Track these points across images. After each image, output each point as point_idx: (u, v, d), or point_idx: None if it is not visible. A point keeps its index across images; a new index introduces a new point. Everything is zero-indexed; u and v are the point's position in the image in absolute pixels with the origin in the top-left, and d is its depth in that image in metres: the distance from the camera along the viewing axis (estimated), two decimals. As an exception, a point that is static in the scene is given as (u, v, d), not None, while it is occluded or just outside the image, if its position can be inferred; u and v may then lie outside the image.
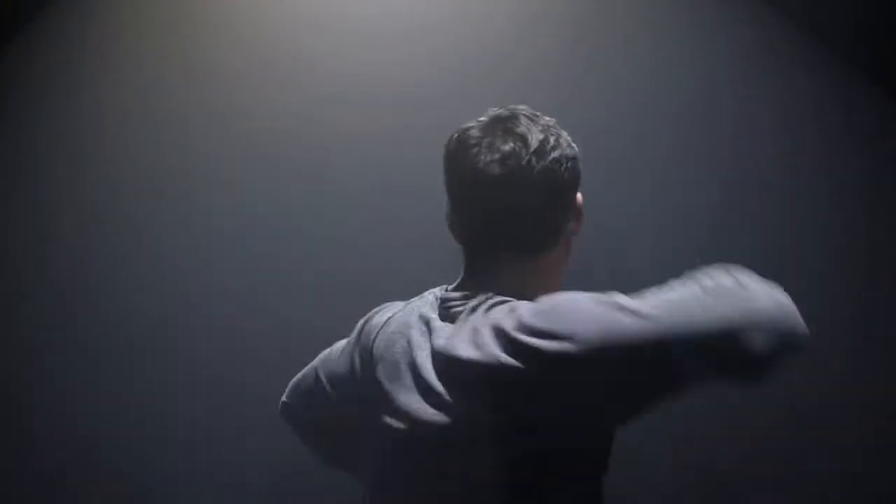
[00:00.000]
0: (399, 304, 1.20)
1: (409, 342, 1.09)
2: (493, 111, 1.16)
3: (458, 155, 1.12)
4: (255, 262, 2.14)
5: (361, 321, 1.21)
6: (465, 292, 1.10)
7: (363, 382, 1.13)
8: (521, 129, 1.11)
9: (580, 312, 0.98)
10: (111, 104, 2.19)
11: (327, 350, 1.28)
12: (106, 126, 2.18)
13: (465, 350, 1.00)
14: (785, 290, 1.00)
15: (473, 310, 1.07)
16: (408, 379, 1.06)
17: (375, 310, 1.22)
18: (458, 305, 1.09)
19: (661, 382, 0.99)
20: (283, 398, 1.34)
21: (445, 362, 1.03)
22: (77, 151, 2.17)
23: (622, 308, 0.97)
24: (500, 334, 0.99)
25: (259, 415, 2.02)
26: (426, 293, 1.17)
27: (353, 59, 2.21)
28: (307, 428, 1.33)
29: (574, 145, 1.15)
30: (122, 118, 2.18)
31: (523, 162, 1.09)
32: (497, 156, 1.09)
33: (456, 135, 1.15)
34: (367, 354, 1.14)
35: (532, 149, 1.10)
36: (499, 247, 1.12)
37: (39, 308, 2.11)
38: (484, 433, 1.00)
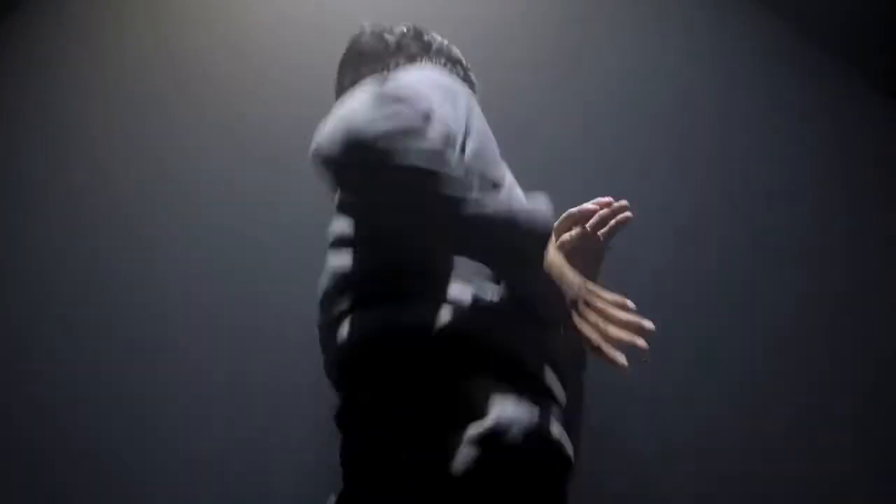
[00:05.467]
0: None
1: None
2: None
3: None
4: (245, 257, 2.14)
5: None
6: None
7: None
8: None
9: None
10: (97, 101, 2.19)
11: None
12: (93, 123, 2.19)
13: None
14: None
15: None
16: None
17: None
18: None
19: None
20: None
21: None
22: (63, 150, 2.17)
23: None
24: None
25: (257, 415, 2.03)
26: None
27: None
28: None
29: None
30: (109, 115, 2.18)
31: None
32: None
33: None
34: None
35: None
36: None
37: (28, 306, 2.11)
38: None
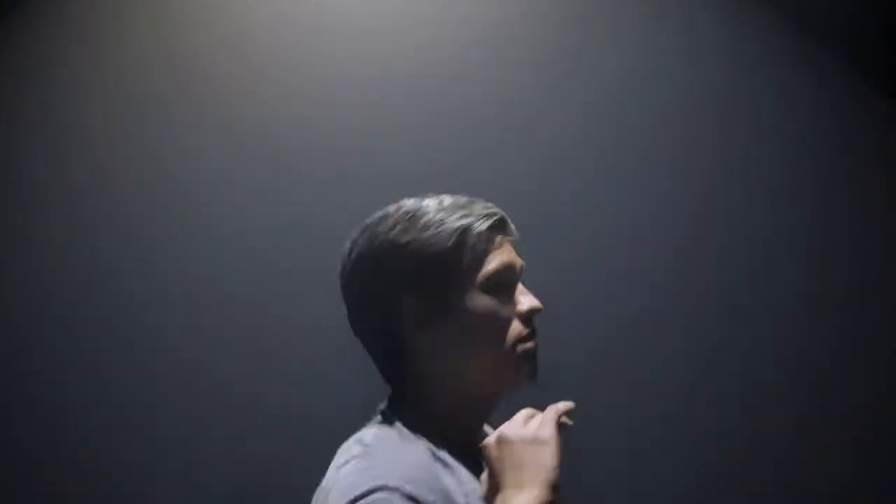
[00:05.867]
0: None
1: None
2: None
3: None
4: (241, 258, 2.13)
5: None
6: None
7: None
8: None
9: None
10: (97, 101, 2.18)
11: None
12: (93, 123, 2.17)
13: None
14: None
15: None
16: None
17: None
18: None
19: None
20: None
21: None
22: (63, 150, 2.17)
23: None
24: None
25: (255, 415, 2.03)
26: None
27: (340, 58, 2.21)
28: None
29: (388, 240, 1.07)
30: (109, 115, 2.17)
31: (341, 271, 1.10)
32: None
33: None
34: None
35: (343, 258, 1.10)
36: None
37: (28, 306, 2.11)
38: None
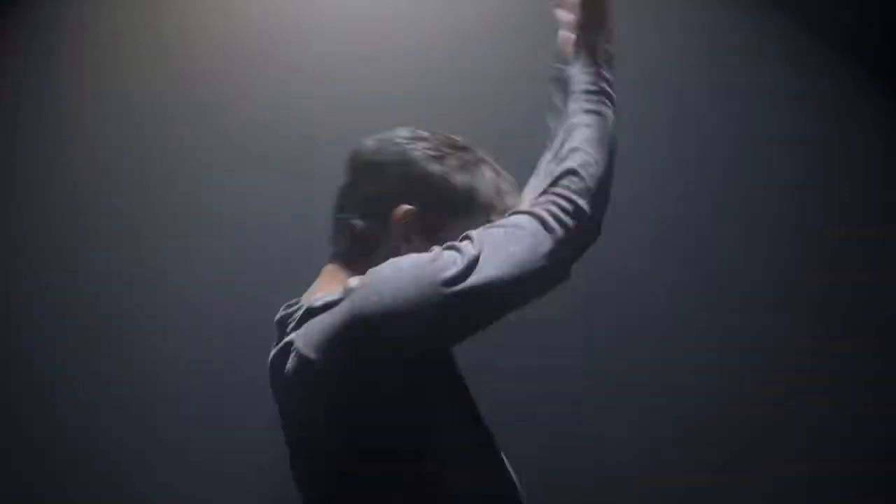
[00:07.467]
0: None
1: None
2: None
3: None
4: (241, 258, 2.14)
5: None
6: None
7: None
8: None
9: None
10: (92, 101, 2.19)
11: None
12: (87, 124, 2.18)
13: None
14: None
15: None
16: None
17: None
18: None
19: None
20: None
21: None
22: (58, 150, 2.17)
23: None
24: None
25: (253, 413, 2.03)
26: None
27: (338, 58, 2.21)
28: None
29: (395, 150, 1.19)
30: (104, 115, 2.18)
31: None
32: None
33: None
34: None
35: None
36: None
37: (28, 307, 2.11)
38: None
